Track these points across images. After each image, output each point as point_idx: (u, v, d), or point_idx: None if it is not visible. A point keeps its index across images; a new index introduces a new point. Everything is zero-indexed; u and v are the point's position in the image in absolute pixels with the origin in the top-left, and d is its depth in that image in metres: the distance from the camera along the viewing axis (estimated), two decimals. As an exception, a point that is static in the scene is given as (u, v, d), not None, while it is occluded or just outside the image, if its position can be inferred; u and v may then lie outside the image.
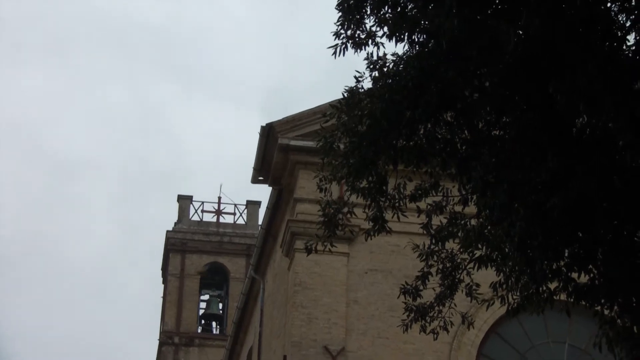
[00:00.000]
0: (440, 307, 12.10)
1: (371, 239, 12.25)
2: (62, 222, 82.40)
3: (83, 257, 79.47)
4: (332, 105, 11.44)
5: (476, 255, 11.45)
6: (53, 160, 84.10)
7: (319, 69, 78.50)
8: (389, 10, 10.34)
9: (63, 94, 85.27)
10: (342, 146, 11.42)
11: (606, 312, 10.67)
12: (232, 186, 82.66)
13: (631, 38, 9.40)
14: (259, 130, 22.50)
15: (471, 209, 11.42)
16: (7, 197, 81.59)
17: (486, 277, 11.74)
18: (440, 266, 11.93)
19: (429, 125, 10.79)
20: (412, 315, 12.17)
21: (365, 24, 10.65)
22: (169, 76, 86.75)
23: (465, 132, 10.78)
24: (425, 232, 11.91)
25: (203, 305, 39.03)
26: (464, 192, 11.15)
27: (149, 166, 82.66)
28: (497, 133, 10.56)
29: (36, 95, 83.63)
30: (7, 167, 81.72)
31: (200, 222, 39.47)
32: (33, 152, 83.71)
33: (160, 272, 40.83)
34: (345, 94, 11.10)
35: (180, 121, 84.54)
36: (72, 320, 76.52)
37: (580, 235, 10.06)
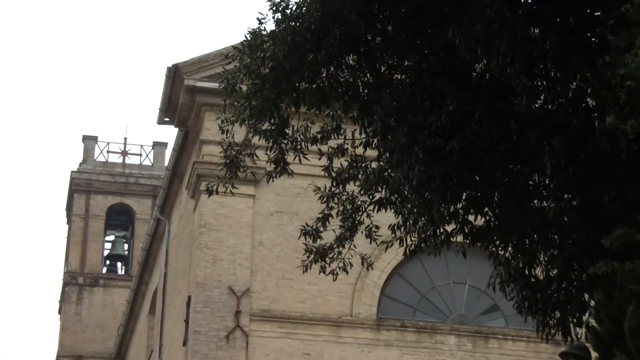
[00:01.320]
0: (340, 249, 12.22)
1: (273, 180, 12.29)
2: None
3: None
4: (234, 47, 11.39)
5: (376, 198, 11.56)
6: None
7: (222, 10, 77.67)
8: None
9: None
10: (244, 88, 11.39)
11: (501, 253, 10.93)
12: (138, 127, 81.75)
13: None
14: (165, 71, 22.32)
15: (372, 152, 11.52)
16: None
17: (386, 219, 11.88)
18: (341, 208, 12.02)
19: (332, 68, 10.81)
20: (312, 256, 12.27)
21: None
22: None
23: (367, 75, 10.83)
24: (326, 174, 11.98)
25: (108, 246, 38.78)
26: (365, 135, 11.23)
27: (43, 97, 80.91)
28: (399, 77, 10.64)
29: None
30: None
31: (106, 163, 39.04)
32: None
33: (64, 212, 40.40)
34: (248, 36, 11.05)
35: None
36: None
37: (477, 178, 10.24)
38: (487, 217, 10.65)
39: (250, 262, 21.31)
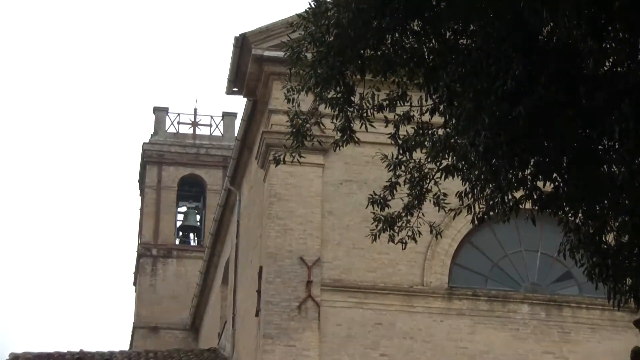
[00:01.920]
0: (409, 217, 12.16)
1: (340, 149, 12.26)
2: (17, 128, 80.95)
3: (48, 167, 78.71)
4: (298, 15, 11.34)
5: (443, 165, 11.47)
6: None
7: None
8: None
9: None
10: (309, 56, 11.36)
11: (571, 219, 10.77)
12: (208, 97, 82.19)
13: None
14: (232, 41, 22.35)
15: (438, 118, 11.42)
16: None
17: (455, 186, 11.78)
18: (408, 176, 11.95)
19: (396, 35, 10.71)
20: (381, 225, 12.23)
21: None
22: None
23: (433, 41, 10.72)
24: (393, 142, 11.91)
25: (180, 217, 39.08)
26: (431, 102, 11.13)
27: (113, 70, 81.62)
28: (464, 42, 10.51)
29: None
30: None
31: (177, 134, 39.27)
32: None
33: (137, 184, 40.82)
34: (312, 4, 11.00)
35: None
36: (43, 235, 76.33)
37: (545, 144, 10.08)
38: (556, 183, 10.49)
39: (320, 231, 21.33)
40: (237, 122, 35.66)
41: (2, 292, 73.87)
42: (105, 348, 25.71)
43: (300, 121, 11.81)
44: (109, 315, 73.69)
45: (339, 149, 12.32)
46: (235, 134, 29.26)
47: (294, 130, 11.87)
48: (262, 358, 20.50)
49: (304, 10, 11.21)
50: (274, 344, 20.48)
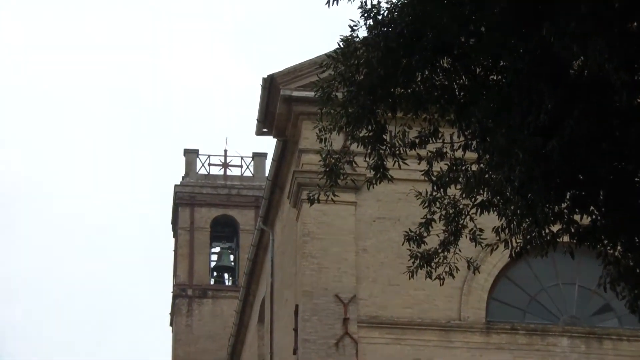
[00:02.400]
0: (445, 253, 12.12)
1: (373, 187, 12.27)
2: (54, 172, 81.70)
3: (83, 210, 79.24)
4: (328, 55, 11.38)
5: (478, 201, 11.43)
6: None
7: (314, 19, 77.79)
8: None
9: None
10: (340, 96, 11.38)
11: (610, 252, 10.67)
12: (237, 138, 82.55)
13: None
14: (260, 82, 22.45)
15: (472, 154, 11.39)
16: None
17: (490, 221, 11.74)
18: (444, 212, 11.92)
19: (426, 72, 10.73)
20: (418, 262, 12.19)
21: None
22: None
23: (463, 77, 10.72)
24: (427, 179, 11.89)
25: (214, 257, 39.19)
26: (463, 138, 11.10)
27: (142, 113, 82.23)
28: (495, 78, 10.50)
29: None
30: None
31: (208, 175, 39.47)
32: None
33: (170, 226, 40.97)
34: (341, 44, 11.03)
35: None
36: (80, 277, 76.76)
37: (581, 177, 10.03)
38: (593, 216, 10.42)
39: (355, 269, 21.28)
40: (268, 162, 35.86)
41: (44, 335, 74.34)
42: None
43: (333, 160, 11.82)
44: (147, 356, 73.74)
45: (371, 188, 12.33)
46: (266, 174, 29.34)
47: (327, 169, 11.89)
48: (300, 397, 20.42)
49: (333, 50, 11.26)
50: (312, 382, 20.40)
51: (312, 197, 12.52)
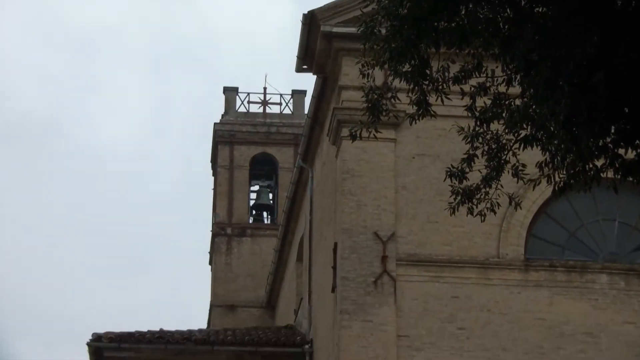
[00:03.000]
0: (487, 189, 12.11)
1: (416, 123, 12.24)
2: (91, 104, 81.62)
3: (119, 145, 79.55)
4: (372, -11, 11.32)
5: (521, 135, 11.38)
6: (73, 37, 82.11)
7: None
8: None
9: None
10: (383, 31, 11.33)
11: (654, 187, 10.64)
12: (277, 76, 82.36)
13: None
14: (301, 18, 22.37)
15: (515, 89, 11.33)
16: (24, 78, 79.91)
17: (532, 157, 11.70)
18: (486, 148, 11.89)
19: (471, 5, 10.64)
20: (459, 198, 12.19)
21: None
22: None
23: (508, 10, 10.63)
24: (469, 114, 11.85)
25: (253, 196, 39.32)
26: (507, 72, 11.03)
27: (182, 50, 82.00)
28: (540, 10, 10.40)
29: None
30: (25, 46, 79.60)
31: (247, 113, 39.47)
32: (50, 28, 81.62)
33: (209, 164, 41.13)
34: (385, -22, 10.96)
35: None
36: (119, 215, 77.25)
37: (627, 110, 9.95)
38: (638, 150, 10.35)
39: (394, 206, 21.32)
40: (307, 100, 35.80)
41: (82, 273, 75.16)
42: (184, 327, 26.01)
43: (376, 96, 11.81)
44: (186, 294, 74.53)
45: (413, 123, 12.31)
46: (305, 112, 29.31)
47: (370, 105, 11.87)
48: (339, 334, 20.60)
49: (377, -16, 11.18)
50: (350, 319, 20.56)
51: (354, 133, 12.53)
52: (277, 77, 76.04)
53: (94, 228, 76.50)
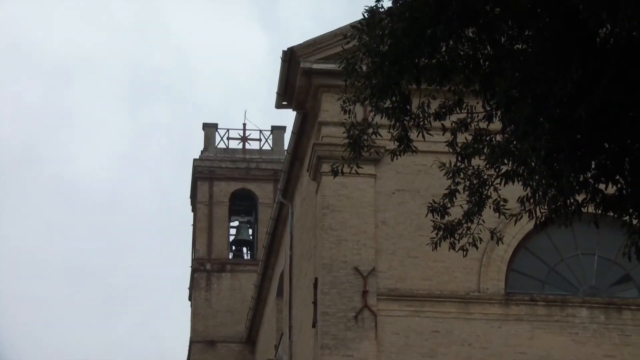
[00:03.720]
0: (469, 224, 12.15)
1: (397, 158, 12.29)
2: (67, 134, 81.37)
3: (95, 176, 79.23)
4: (352, 26, 11.39)
5: (503, 171, 11.44)
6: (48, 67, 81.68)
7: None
8: None
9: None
10: (364, 67, 11.40)
11: (634, 221, 10.70)
12: (257, 112, 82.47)
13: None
14: (280, 55, 22.48)
15: (496, 125, 11.40)
16: None
17: (513, 192, 11.76)
18: (467, 183, 11.95)
19: (451, 42, 10.72)
20: (441, 233, 12.22)
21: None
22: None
23: (488, 47, 10.71)
24: (450, 150, 11.91)
25: (233, 231, 39.31)
26: (488, 108, 11.12)
27: (161, 88, 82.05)
28: (520, 47, 10.49)
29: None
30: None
31: (227, 150, 39.56)
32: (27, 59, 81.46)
33: (189, 200, 41.08)
34: (366, 14, 11.04)
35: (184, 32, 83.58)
36: (97, 252, 76.96)
37: (607, 146, 10.03)
38: (619, 185, 10.43)
39: (374, 241, 21.35)
40: (286, 136, 35.88)
41: (58, 308, 74.60)
42: (164, 362, 25.82)
43: (357, 132, 11.86)
44: (166, 330, 74.11)
45: (394, 159, 12.36)
46: (285, 148, 29.39)
47: (351, 141, 11.92)
48: (320, 369, 20.53)
49: (357, 20, 11.27)
50: (331, 354, 20.52)
51: (335, 169, 12.57)
52: (257, 114, 76.12)
53: (70, 263, 76.14)
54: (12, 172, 76.94)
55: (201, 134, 39.97)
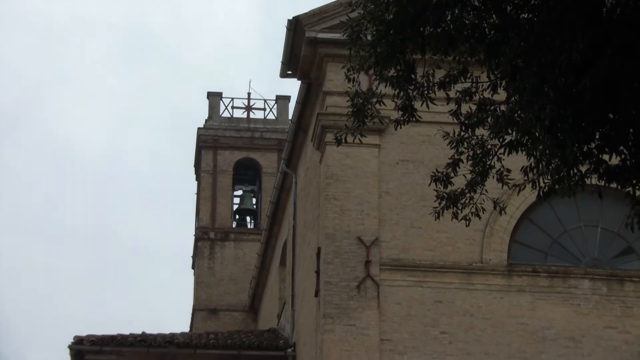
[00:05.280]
0: (472, 194, 12.15)
1: (401, 128, 12.29)
2: (63, 97, 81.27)
3: (105, 154, 79.06)
4: (358, -6, 11.36)
5: (506, 141, 11.44)
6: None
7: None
8: None
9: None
10: (369, 36, 11.38)
11: (638, 193, 10.69)
12: (261, 81, 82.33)
13: None
14: (285, 24, 22.41)
15: (500, 95, 11.39)
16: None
17: (517, 162, 11.76)
18: (471, 153, 11.94)
19: (456, 11, 10.70)
20: (444, 202, 12.23)
21: None
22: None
23: (493, 16, 10.68)
24: (454, 119, 11.90)
25: (237, 201, 39.35)
26: (492, 78, 11.10)
27: (166, 56, 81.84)
28: (526, 16, 10.46)
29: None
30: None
31: (231, 119, 39.53)
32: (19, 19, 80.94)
33: (193, 169, 41.12)
34: (371, -17, 11.01)
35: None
36: (101, 220, 77.01)
37: (611, 116, 10.02)
38: (622, 156, 10.42)
39: (377, 211, 21.36)
40: (291, 105, 35.90)
41: (64, 275, 74.83)
42: (166, 331, 25.96)
43: (361, 101, 11.85)
44: (169, 298, 74.38)
45: (398, 128, 12.35)
46: (289, 117, 29.37)
47: (355, 109, 11.91)
48: (322, 338, 20.61)
49: (363, -12, 11.23)
50: (334, 323, 20.58)
51: (339, 138, 12.56)
52: (262, 83, 75.98)
53: (74, 230, 76.28)
54: (3, 133, 76.45)
55: (206, 103, 39.96)
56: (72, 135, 77.66)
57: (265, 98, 39.96)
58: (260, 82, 79.39)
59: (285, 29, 22.47)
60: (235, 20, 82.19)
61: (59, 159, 77.71)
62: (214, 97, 39.84)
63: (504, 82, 10.98)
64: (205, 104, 40.03)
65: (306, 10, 22.04)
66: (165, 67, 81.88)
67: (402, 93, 11.57)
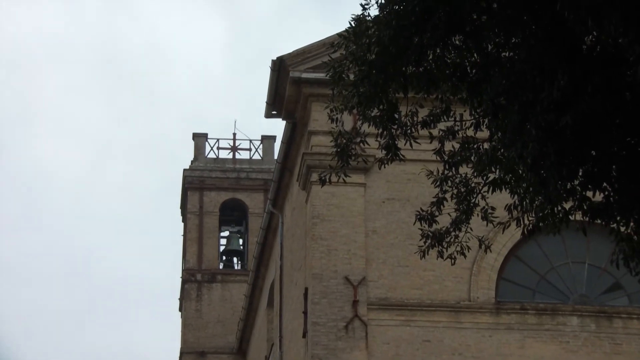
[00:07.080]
0: (457, 232, 12.13)
1: (385, 167, 12.27)
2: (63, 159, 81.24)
3: (90, 196, 78.79)
4: (339, 34, 11.38)
5: (490, 179, 11.44)
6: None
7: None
8: None
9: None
10: (351, 76, 11.39)
11: (622, 229, 10.68)
12: (246, 121, 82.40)
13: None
14: (269, 64, 22.47)
15: (483, 133, 11.39)
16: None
17: (501, 200, 11.75)
18: (455, 191, 11.93)
19: (438, 50, 10.72)
20: (429, 241, 12.20)
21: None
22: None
23: (475, 55, 10.71)
24: (438, 158, 11.90)
25: (223, 242, 39.28)
26: (475, 116, 11.11)
27: (151, 98, 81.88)
28: (507, 55, 10.49)
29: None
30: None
31: (217, 159, 39.56)
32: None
33: (179, 210, 41.04)
34: (352, 23, 11.04)
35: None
36: (88, 261, 76.69)
37: (594, 153, 10.03)
38: (606, 193, 10.42)
39: (364, 250, 21.31)
40: (276, 145, 35.91)
41: (49, 317, 74.33)
42: (154, 375, 25.75)
43: (345, 140, 11.84)
44: (155, 342, 73.91)
45: (383, 167, 12.35)
46: (275, 157, 29.36)
47: (339, 150, 11.90)
48: (311, 379, 20.48)
49: (344, 29, 11.25)
50: (322, 364, 20.45)
51: (323, 178, 12.54)
52: (247, 123, 76.09)
53: (59, 271, 75.85)
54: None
55: (191, 144, 39.97)
56: (47, 167, 77.41)
57: (251, 138, 40.06)
58: (246, 122, 79.35)
59: (269, 70, 22.53)
60: (208, 48, 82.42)
61: (34, 193, 77.45)
62: (200, 138, 39.91)
63: (486, 120, 10.99)
64: (191, 146, 39.99)
65: (290, 51, 22.11)
66: (133, 92, 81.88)
67: (385, 132, 11.57)
